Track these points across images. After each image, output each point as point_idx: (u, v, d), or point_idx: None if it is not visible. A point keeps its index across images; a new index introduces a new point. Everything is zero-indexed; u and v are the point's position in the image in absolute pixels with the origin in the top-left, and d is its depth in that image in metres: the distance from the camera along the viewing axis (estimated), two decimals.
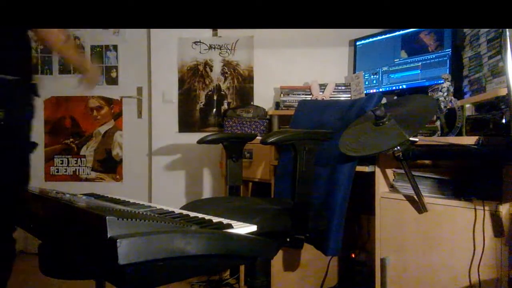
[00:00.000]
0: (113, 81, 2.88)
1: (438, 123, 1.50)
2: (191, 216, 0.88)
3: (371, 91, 2.28)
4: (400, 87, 2.15)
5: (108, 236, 0.55)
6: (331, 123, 1.57)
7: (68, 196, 0.87)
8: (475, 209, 1.26)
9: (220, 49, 2.72)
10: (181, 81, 2.74)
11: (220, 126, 2.67)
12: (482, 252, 1.24)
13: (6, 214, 1.37)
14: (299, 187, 1.22)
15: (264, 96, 2.67)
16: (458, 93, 1.68)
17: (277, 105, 2.41)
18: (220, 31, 2.73)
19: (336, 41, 2.59)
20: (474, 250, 1.26)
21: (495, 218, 1.22)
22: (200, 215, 0.89)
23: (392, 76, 2.20)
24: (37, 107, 2.93)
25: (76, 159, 2.92)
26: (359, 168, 1.52)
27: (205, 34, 2.70)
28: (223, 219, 0.86)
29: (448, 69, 1.91)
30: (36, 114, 3.07)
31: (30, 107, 1.58)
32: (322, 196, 1.42)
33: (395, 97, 2.16)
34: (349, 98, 2.26)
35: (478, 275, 1.25)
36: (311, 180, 1.25)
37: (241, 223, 0.84)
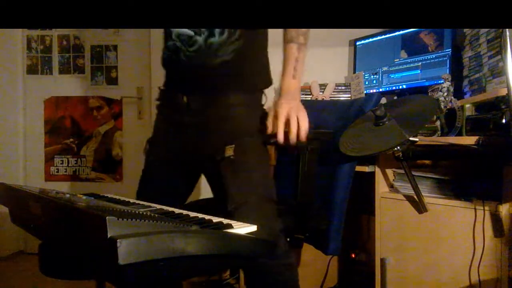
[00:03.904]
0: (113, 81, 2.88)
1: (438, 123, 1.50)
2: (191, 216, 0.88)
3: (371, 91, 2.28)
4: (400, 87, 2.15)
5: (108, 236, 0.55)
6: (329, 124, 1.56)
7: (68, 196, 0.87)
8: (475, 209, 1.26)
9: None
10: None
11: None
12: (482, 252, 1.24)
13: None
14: (301, 187, 1.22)
15: None
16: (458, 93, 1.68)
17: None
18: None
19: (336, 41, 2.59)
20: (474, 250, 1.26)
21: (495, 218, 1.22)
22: (200, 215, 0.88)
23: (392, 76, 2.20)
24: (37, 107, 2.94)
25: (76, 159, 2.92)
26: (359, 168, 1.52)
27: None
28: (223, 219, 0.86)
29: (448, 69, 1.91)
30: (36, 114, 3.06)
31: None
32: (322, 195, 1.42)
33: (395, 97, 2.16)
34: (349, 98, 2.26)
35: (478, 275, 1.25)
36: (314, 180, 1.25)
37: (241, 223, 0.83)
